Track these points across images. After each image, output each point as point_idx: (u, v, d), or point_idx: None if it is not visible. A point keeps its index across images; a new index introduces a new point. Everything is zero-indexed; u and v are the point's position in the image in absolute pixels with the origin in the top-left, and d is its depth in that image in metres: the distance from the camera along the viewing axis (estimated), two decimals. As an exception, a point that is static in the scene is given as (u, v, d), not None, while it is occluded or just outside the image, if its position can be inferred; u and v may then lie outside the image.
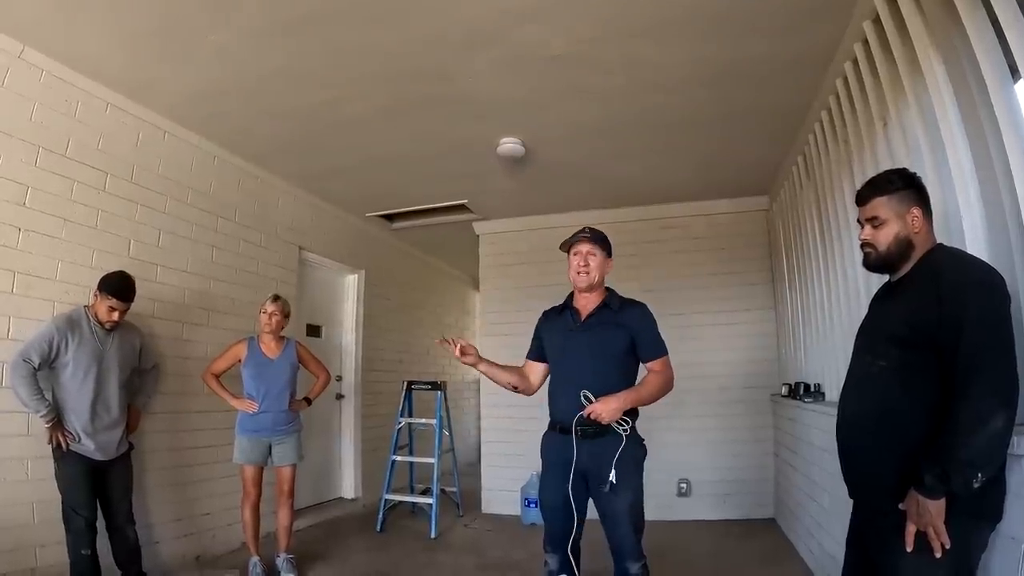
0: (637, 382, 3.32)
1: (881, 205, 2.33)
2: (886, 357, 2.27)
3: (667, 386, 3.31)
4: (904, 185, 2.32)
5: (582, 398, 3.14)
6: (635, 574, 3.18)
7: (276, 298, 4.97)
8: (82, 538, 3.82)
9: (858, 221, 2.47)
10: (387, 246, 8.86)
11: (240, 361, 4.90)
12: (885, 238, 2.31)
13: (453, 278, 11.66)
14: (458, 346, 3.29)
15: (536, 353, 3.64)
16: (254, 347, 4.94)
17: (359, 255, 8.06)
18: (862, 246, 2.43)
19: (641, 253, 7.08)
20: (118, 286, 4.04)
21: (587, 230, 3.42)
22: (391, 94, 4.65)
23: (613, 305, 3.37)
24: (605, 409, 3.08)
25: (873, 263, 2.40)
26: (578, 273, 3.36)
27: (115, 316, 4.03)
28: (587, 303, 3.42)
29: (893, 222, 2.30)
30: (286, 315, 5.01)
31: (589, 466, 3.19)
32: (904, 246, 2.29)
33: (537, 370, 3.63)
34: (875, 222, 2.34)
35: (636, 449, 3.25)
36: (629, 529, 3.16)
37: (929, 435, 2.03)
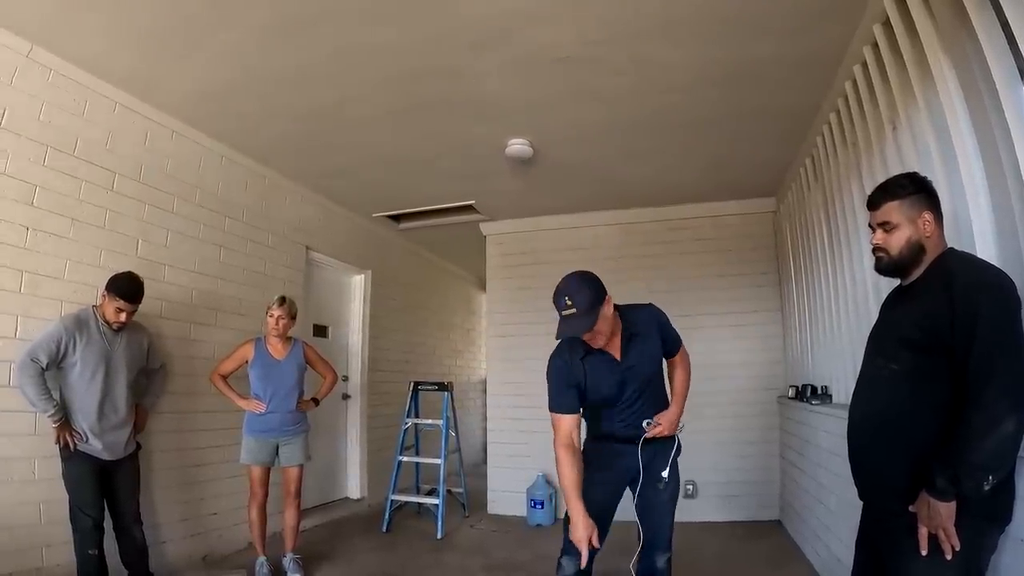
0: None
1: (893, 210, 2.32)
2: (897, 360, 2.28)
3: (690, 373, 3.50)
4: (916, 190, 2.31)
5: (645, 425, 3.18)
6: (661, 568, 3.26)
7: (282, 301, 4.96)
8: (89, 538, 3.82)
9: (869, 226, 2.46)
10: (394, 246, 8.86)
11: (247, 362, 4.91)
12: (897, 243, 2.31)
13: (459, 279, 11.65)
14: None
15: (574, 404, 3.16)
16: (261, 348, 4.95)
17: (366, 255, 8.07)
18: (874, 251, 2.43)
19: (649, 254, 7.09)
20: (126, 288, 4.04)
21: (571, 306, 2.89)
22: (399, 94, 4.65)
23: (633, 328, 3.20)
24: (668, 424, 3.21)
25: (885, 268, 2.40)
26: (593, 341, 3.06)
27: (123, 317, 4.04)
28: (612, 341, 3.17)
29: (905, 227, 2.30)
30: (292, 317, 5.00)
31: (645, 464, 3.22)
32: (916, 250, 2.29)
33: (576, 424, 3.17)
34: (887, 226, 2.34)
35: (679, 445, 3.35)
36: (672, 519, 3.29)
37: (939, 437, 2.05)
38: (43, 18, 3.75)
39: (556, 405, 3.16)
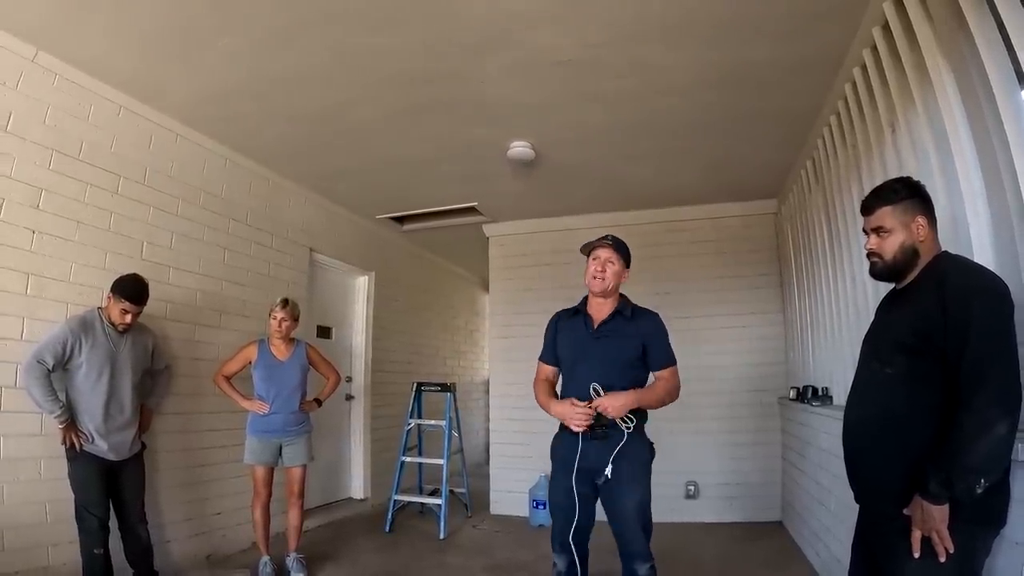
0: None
1: (887, 215, 2.34)
2: (892, 364, 2.28)
3: (673, 394, 3.37)
4: (909, 194, 2.33)
5: (592, 391, 3.19)
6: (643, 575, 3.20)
7: (285, 303, 5.00)
8: (95, 537, 3.85)
9: (864, 231, 2.48)
10: (397, 248, 8.89)
11: (251, 363, 4.95)
12: (891, 248, 2.33)
13: (463, 280, 11.68)
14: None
15: (552, 357, 3.61)
16: (264, 349, 4.98)
17: (369, 257, 8.10)
18: (868, 255, 2.44)
19: (649, 256, 7.05)
20: (132, 289, 4.07)
21: (610, 237, 3.42)
22: (402, 97, 4.67)
23: (626, 313, 3.39)
24: (612, 404, 3.14)
25: (880, 272, 2.42)
26: (593, 278, 3.36)
27: (128, 319, 4.07)
28: (601, 310, 3.43)
29: (899, 231, 2.31)
30: (295, 319, 5.05)
31: (596, 465, 3.21)
32: (910, 255, 2.31)
33: (554, 373, 3.62)
34: (881, 232, 2.36)
35: (644, 450, 3.30)
36: (638, 529, 3.19)
37: (933, 441, 2.06)
38: (47, 22, 3.78)
39: (542, 353, 3.68)
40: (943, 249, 2.34)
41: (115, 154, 4.60)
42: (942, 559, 2.02)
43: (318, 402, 5.25)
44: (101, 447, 3.97)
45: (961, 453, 1.96)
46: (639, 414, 3.29)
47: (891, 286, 2.52)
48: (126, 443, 4.13)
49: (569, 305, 3.64)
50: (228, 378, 4.95)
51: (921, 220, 2.30)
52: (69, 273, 4.24)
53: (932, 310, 2.11)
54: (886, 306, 2.54)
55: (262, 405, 4.84)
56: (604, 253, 3.37)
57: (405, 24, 3.77)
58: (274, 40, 3.96)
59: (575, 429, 3.21)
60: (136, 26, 3.81)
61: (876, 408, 2.35)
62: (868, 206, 2.43)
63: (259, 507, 4.86)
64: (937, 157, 2.99)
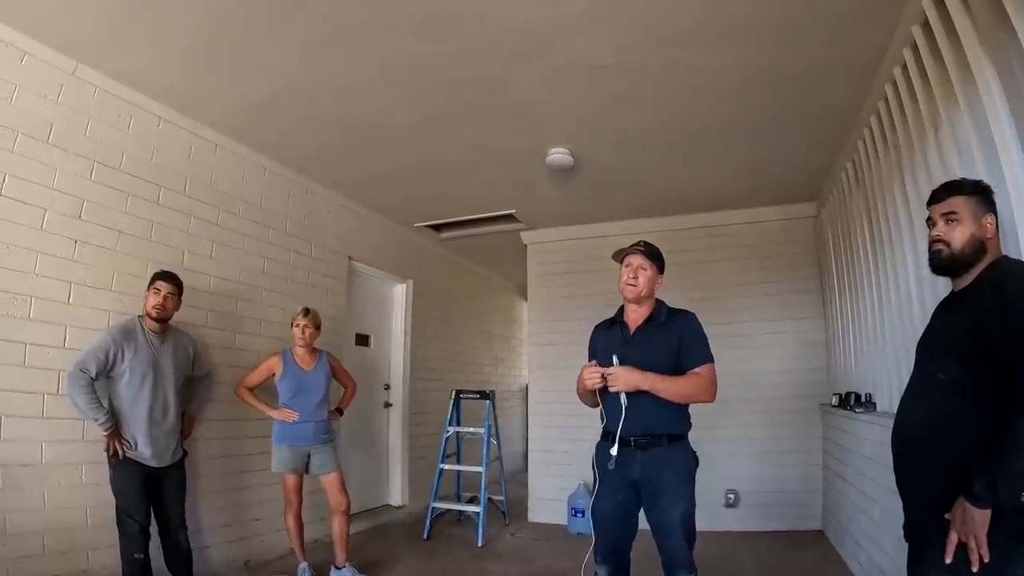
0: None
1: (960, 203, 2.26)
2: (946, 368, 2.19)
3: (703, 390, 3.20)
4: (983, 194, 2.28)
5: (613, 359, 3.17)
6: None
7: (307, 311, 5.04)
8: (135, 542, 3.90)
9: (928, 222, 2.40)
10: (435, 256, 8.92)
11: (275, 375, 4.98)
12: (961, 236, 2.23)
13: (501, 287, 11.69)
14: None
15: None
16: (289, 360, 5.01)
17: (407, 265, 8.14)
18: (933, 243, 2.33)
19: (688, 261, 7.01)
20: (162, 273, 4.22)
21: (642, 243, 3.42)
22: (439, 104, 4.69)
23: (660, 317, 3.35)
24: (622, 375, 3.11)
25: (944, 261, 2.30)
26: (626, 284, 3.36)
27: (160, 298, 4.13)
28: (636, 317, 3.40)
29: (969, 222, 2.23)
30: (317, 327, 5.08)
31: (642, 476, 3.19)
32: (978, 249, 2.22)
33: None
34: (951, 216, 2.27)
35: (687, 459, 3.26)
36: (682, 539, 3.14)
37: (980, 450, 1.96)
38: (87, 36, 3.86)
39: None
40: (1003, 254, 2.28)
41: (155, 165, 4.68)
42: (975, 568, 1.93)
43: (339, 411, 5.34)
44: (144, 453, 4.02)
45: (1010, 456, 1.87)
46: (683, 423, 3.29)
47: (939, 288, 2.45)
48: (169, 450, 4.19)
49: (608, 312, 3.62)
50: (251, 389, 4.98)
51: (991, 219, 2.24)
52: (111, 282, 4.31)
53: (990, 312, 2.03)
54: (943, 310, 2.46)
55: (292, 413, 4.85)
56: (636, 260, 3.37)
57: (443, 32, 3.79)
58: (312, 50, 4.00)
59: (589, 386, 3.23)
60: (175, 38, 3.88)
61: (926, 412, 2.25)
62: (938, 195, 2.35)
63: (291, 515, 4.89)
64: (982, 155, 2.90)
